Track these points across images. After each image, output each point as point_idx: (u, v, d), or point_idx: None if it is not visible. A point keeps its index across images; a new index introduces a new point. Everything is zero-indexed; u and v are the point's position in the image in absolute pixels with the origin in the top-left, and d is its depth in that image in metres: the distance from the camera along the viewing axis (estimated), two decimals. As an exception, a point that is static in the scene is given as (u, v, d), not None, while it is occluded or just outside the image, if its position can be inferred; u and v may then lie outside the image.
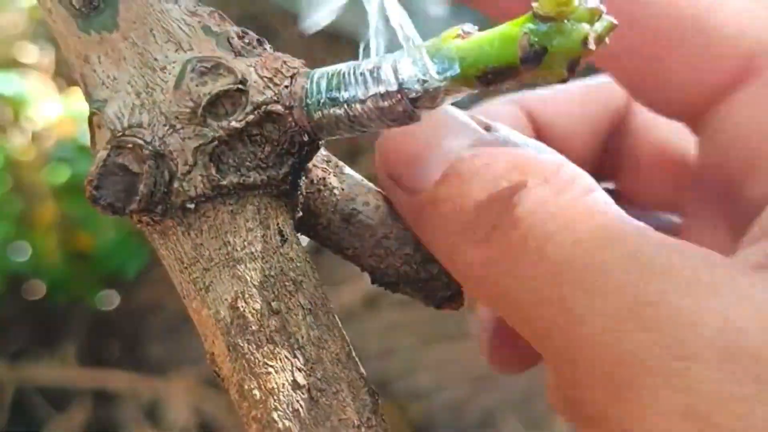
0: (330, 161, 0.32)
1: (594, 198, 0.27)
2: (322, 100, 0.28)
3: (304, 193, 0.30)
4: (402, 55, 0.27)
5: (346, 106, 0.28)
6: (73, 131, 1.45)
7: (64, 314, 1.71)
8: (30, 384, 1.61)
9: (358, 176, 0.32)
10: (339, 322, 0.28)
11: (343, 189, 0.31)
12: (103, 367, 1.69)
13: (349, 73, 0.28)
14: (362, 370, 0.28)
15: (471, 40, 0.27)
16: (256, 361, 0.27)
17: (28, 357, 1.65)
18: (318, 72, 0.29)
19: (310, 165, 0.30)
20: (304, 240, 0.31)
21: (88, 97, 0.29)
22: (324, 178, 0.31)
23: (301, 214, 0.31)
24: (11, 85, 1.43)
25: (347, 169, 0.32)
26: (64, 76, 1.53)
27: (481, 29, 0.27)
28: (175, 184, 0.27)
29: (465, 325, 1.68)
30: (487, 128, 0.31)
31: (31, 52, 1.57)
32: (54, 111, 1.46)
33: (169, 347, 1.74)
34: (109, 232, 1.49)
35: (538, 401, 1.68)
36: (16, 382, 1.60)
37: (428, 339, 1.68)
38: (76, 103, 1.46)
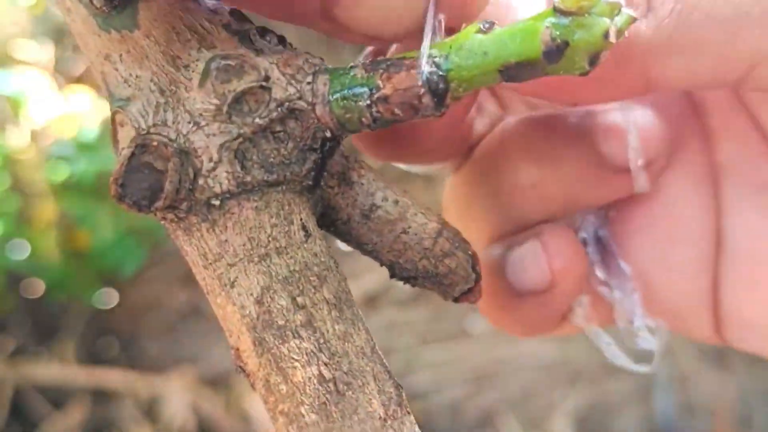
0: (349, 156, 0.32)
1: None
2: (344, 96, 0.28)
3: (324, 188, 0.31)
4: (425, 51, 0.27)
5: (369, 101, 0.28)
6: (72, 129, 1.45)
7: (62, 312, 1.71)
8: (28, 382, 1.61)
9: (377, 170, 0.32)
10: (362, 316, 0.29)
11: (362, 184, 0.31)
12: (101, 365, 1.69)
13: (371, 69, 0.28)
14: (386, 363, 0.28)
15: (493, 34, 0.27)
16: (282, 355, 0.27)
17: (27, 355, 1.65)
18: (340, 68, 0.29)
19: (330, 160, 0.30)
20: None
21: (110, 95, 0.29)
22: (343, 173, 0.31)
23: (321, 209, 0.31)
24: (10, 83, 1.42)
25: (366, 164, 0.32)
26: (64, 73, 1.52)
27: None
28: (200, 181, 0.27)
29: (464, 324, 1.68)
30: None
31: (30, 50, 1.57)
32: (53, 109, 1.46)
33: (167, 345, 1.74)
34: (107, 231, 1.49)
35: (536, 401, 1.68)
36: (15, 380, 1.60)
37: (427, 339, 1.69)
38: (76, 100, 1.46)
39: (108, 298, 1.67)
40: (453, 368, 1.68)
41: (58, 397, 1.61)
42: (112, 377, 1.62)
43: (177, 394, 1.59)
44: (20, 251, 1.49)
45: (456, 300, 0.33)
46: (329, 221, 0.31)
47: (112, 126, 0.29)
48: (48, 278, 1.55)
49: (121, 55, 0.29)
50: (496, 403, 1.67)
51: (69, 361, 1.63)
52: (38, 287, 1.60)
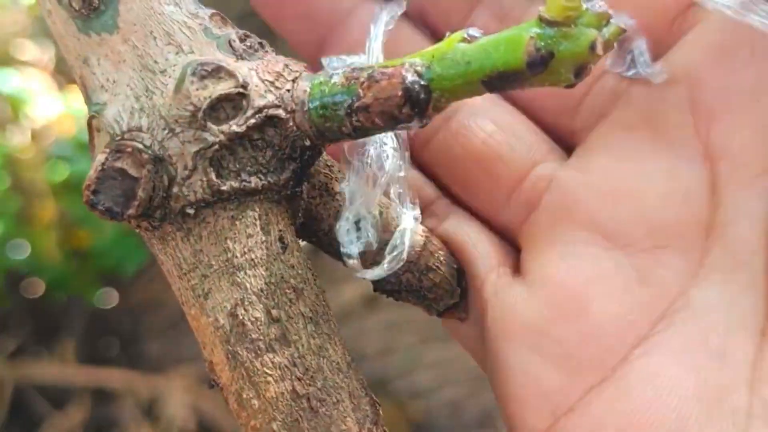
0: (332, 166, 0.31)
1: None
2: (324, 104, 0.27)
3: (306, 199, 0.30)
4: (406, 60, 0.27)
5: (348, 110, 0.27)
6: (72, 129, 1.45)
7: (63, 312, 1.70)
8: (28, 382, 1.61)
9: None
10: (339, 330, 0.28)
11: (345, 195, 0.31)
12: (101, 364, 1.69)
13: (351, 77, 0.27)
14: (363, 379, 0.27)
15: (477, 44, 0.26)
16: (256, 369, 0.26)
17: (27, 355, 1.64)
18: (320, 75, 0.28)
19: (312, 170, 0.30)
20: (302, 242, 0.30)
21: (88, 99, 0.29)
22: (326, 184, 0.30)
23: (302, 219, 0.30)
24: (10, 83, 1.42)
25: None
26: (64, 73, 1.52)
27: (485, 33, 0.27)
28: (175, 189, 0.27)
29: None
30: None
31: (30, 50, 1.57)
32: (53, 108, 1.46)
33: (168, 345, 1.73)
34: (107, 230, 1.48)
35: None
36: (15, 380, 1.59)
37: (428, 338, 1.68)
38: (76, 100, 1.45)
39: (108, 297, 1.67)
40: (453, 367, 1.67)
41: (58, 397, 1.61)
42: (113, 377, 1.62)
43: (177, 394, 1.58)
44: (20, 251, 1.48)
45: (440, 315, 0.32)
46: (311, 231, 0.31)
47: (89, 131, 0.29)
48: (48, 278, 1.54)
49: (99, 59, 0.28)
50: (496, 403, 1.66)
51: (69, 361, 1.63)
52: (38, 287, 1.59)
